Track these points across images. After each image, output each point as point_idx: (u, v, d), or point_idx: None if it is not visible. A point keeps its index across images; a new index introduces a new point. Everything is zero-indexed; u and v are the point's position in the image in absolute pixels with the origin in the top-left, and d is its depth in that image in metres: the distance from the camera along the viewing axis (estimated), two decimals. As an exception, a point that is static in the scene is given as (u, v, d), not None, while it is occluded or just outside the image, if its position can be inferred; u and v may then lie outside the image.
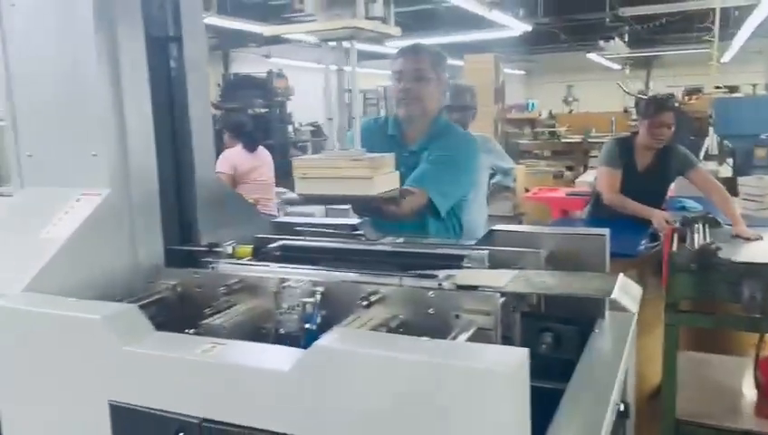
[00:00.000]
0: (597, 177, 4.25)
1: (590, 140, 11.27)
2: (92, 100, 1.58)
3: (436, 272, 1.40)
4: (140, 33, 1.66)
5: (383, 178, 1.65)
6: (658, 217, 3.66)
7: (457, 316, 1.24)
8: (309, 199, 1.77)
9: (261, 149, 5.52)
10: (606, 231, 1.68)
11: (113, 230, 1.60)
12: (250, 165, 5.31)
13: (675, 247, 3.04)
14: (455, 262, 1.58)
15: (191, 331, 1.37)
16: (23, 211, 1.66)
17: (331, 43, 1.52)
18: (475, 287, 1.34)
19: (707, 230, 3.21)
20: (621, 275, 1.42)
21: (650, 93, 10.03)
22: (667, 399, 2.87)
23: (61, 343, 1.27)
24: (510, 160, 3.98)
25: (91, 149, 1.60)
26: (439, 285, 1.32)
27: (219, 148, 5.49)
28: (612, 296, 1.30)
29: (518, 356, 0.96)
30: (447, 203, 2.34)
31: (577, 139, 11.78)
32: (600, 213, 4.05)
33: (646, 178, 3.95)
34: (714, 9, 9.37)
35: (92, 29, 1.54)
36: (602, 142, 5.17)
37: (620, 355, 1.47)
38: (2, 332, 1.33)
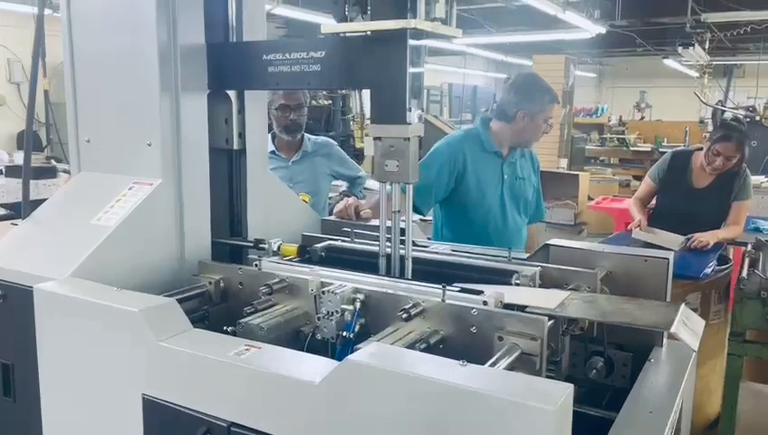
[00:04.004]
0: None
1: (660, 149, 10.81)
2: (150, 90, 1.58)
3: (482, 287, 1.33)
4: (200, 24, 1.65)
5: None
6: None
7: (501, 338, 1.18)
8: None
9: None
10: (670, 255, 1.58)
11: (162, 221, 1.61)
12: None
13: (745, 273, 2.86)
14: (504, 277, 1.51)
15: (229, 329, 1.36)
16: (77, 195, 1.69)
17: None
18: (522, 308, 1.27)
19: (782, 255, 3.02)
20: (684, 305, 1.32)
21: (729, 105, 9.52)
22: (726, 433, 2.71)
23: (99, 332, 1.28)
24: (356, 167, 3.47)
25: (146, 139, 1.61)
26: (484, 302, 1.25)
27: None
28: (672, 331, 1.20)
29: (560, 392, 0.90)
30: None
31: (647, 147, 11.33)
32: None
33: (703, 196, 3.63)
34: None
35: (154, 19, 1.55)
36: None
37: (677, 390, 1.37)
38: (46, 315, 1.36)
